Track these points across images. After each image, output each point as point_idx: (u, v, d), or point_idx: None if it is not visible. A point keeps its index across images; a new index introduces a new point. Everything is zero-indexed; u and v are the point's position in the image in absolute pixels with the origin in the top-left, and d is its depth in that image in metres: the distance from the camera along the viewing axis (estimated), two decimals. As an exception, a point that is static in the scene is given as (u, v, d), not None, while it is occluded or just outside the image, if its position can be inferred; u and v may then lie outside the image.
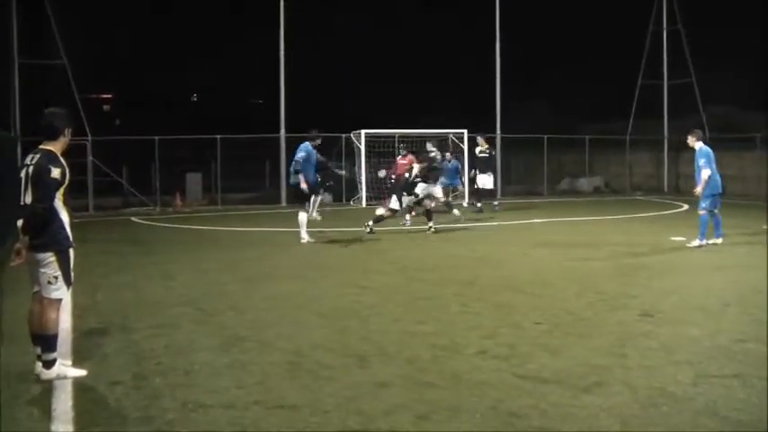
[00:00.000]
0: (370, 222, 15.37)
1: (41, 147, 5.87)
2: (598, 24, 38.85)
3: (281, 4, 26.45)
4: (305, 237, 14.41)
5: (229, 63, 43.58)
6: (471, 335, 7.01)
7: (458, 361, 6.20)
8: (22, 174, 5.70)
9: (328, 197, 27.14)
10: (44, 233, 5.70)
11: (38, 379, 5.76)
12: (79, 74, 25.15)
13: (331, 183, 26.88)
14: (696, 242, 13.04)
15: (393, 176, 19.35)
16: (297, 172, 14.21)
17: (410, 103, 39.15)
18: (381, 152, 25.82)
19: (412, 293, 9.28)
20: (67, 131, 5.99)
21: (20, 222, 5.65)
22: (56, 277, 5.77)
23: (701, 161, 12.89)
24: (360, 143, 25.29)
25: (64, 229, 5.82)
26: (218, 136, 26.27)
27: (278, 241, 15.33)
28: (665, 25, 32.29)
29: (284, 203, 26.23)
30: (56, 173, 5.68)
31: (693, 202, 14.33)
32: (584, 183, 32.40)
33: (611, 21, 37.49)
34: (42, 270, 5.75)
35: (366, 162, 25.50)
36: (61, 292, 5.86)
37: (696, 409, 4.98)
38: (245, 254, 13.39)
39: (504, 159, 30.24)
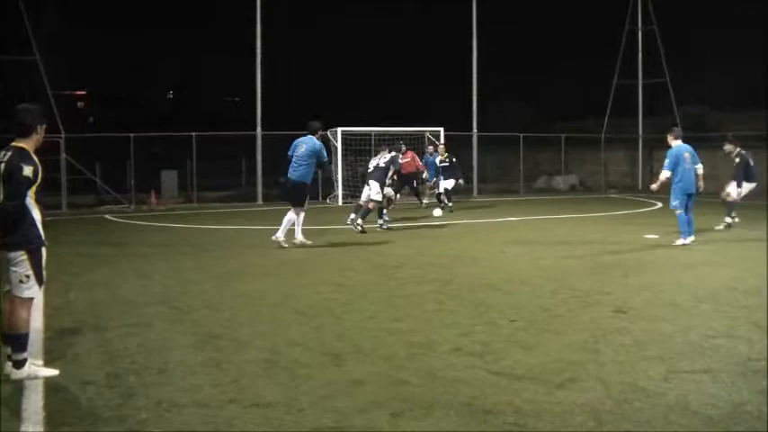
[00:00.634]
0: (360, 219, 15.23)
1: (14, 144, 5.79)
2: (575, 24, 39.15)
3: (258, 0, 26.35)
4: (298, 237, 13.52)
5: (206, 60, 43.34)
6: (447, 332, 7.03)
7: (433, 358, 6.21)
8: (-6, 171, 5.64)
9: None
10: (15, 231, 5.63)
11: (8, 379, 5.69)
12: (53, 70, 24.90)
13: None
14: (680, 241, 13.11)
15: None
16: (321, 166, 13.59)
17: (387, 100, 39.19)
18: (358, 150, 25.82)
19: (388, 291, 9.28)
20: (40, 128, 5.92)
21: (-9, 220, 5.59)
22: (27, 276, 5.71)
23: (666, 161, 13.08)
24: (336, 141, 25.24)
25: (35, 227, 5.75)
26: (194, 133, 26.13)
27: (254, 239, 15.26)
28: (640, 25, 32.58)
29: (260, 201, 26.16)
30: (28, 171, 5.61)
31: (666, 200, 14.47)
32: (559, 181, 32.63)
33: (588, 20, 37.77)
34: (13, 269, 5.69)
35: (342, 160, 25.47)
36: (33, 291, 5.80)
37: (667, 404, 5.04)
38: (220, 252, 13.32)
39: (479, 158, 30.39)
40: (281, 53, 36.59)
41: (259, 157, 26.72)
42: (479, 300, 8.62)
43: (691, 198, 13.20)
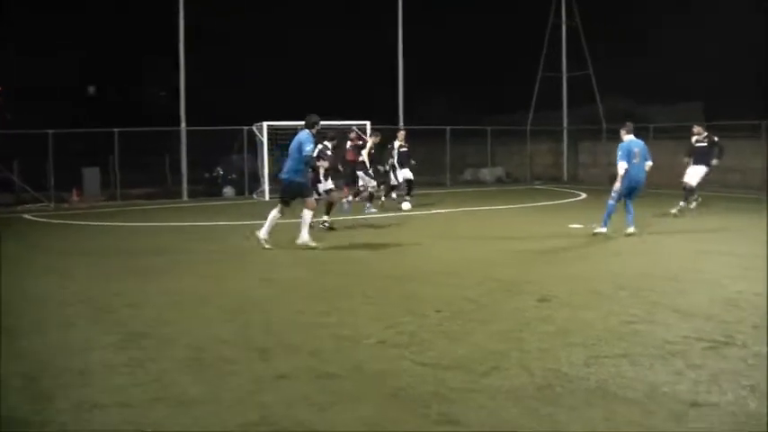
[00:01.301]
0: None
1: None
2: (502, 18, 39.72)
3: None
4: (305, 237, 12.46)
5: (128, 52, 42.29)
6: (374, 325, 7.06)
7: (360, 351, 6.23)
8: None
9: (231, 191, 26.79)
10: None
11: None
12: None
13: (234, 175, 26.52)
14: (601, 228, 13.23)
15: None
16: (313, 168, 13.02)
17: (314, 95, 38.98)
18: (284, 145, 25.57)
19: (317, 286, 9.26)
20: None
21: None
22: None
23: (619, 153, 13.11)
24: (262, 136, 25.00)
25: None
26: (116, 129, 25.49)
27: (179, 236, 15.01)
28: (563, 18, 33.26)
29: (186, 197, 25.72)
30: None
31: (591, 191, 14.79)
32: (486, 173, 33.03)
33: (515, 14, 38.36)
34: None
35: (268, 155, 25.22)
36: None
37: (588, 388, 5.18)
38: (144, 249, 13.04)
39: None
40: (209, 48, 36.12)
41: (184, 153, 26.25)
42: (407, 292, 8.68)
43: (634, 192, 13.29)
